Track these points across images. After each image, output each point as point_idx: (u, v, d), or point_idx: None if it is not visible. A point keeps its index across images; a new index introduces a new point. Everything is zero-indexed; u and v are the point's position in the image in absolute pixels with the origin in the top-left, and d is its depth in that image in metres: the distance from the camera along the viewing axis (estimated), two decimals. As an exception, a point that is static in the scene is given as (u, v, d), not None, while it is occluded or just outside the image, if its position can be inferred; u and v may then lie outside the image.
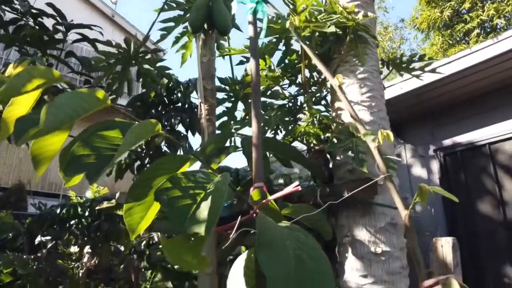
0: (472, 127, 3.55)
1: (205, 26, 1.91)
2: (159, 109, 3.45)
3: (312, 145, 1.61)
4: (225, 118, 2.52)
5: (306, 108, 1.68)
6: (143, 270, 3.05)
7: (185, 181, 0.67)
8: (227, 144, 1.75)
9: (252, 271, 0.90)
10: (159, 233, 2.52)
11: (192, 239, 0.59)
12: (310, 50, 1.20)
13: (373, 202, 1.40)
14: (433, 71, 1.62)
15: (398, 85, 3.62)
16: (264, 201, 0.76)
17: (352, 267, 1.39)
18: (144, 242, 2.53)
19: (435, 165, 3.76)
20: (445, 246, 0.81)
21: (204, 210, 0.62)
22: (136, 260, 2.83)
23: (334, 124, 1.54)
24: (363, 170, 1.21)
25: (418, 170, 3.93)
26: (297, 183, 0.75)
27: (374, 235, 1.37)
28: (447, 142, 3.71)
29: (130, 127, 0.66)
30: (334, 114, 1.63)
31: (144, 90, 3.52)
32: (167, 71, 2.79)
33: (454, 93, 3.54)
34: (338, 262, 1.48)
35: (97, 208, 2.45)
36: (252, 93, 0.99)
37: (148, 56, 2.61)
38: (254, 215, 0.78)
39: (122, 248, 3.68)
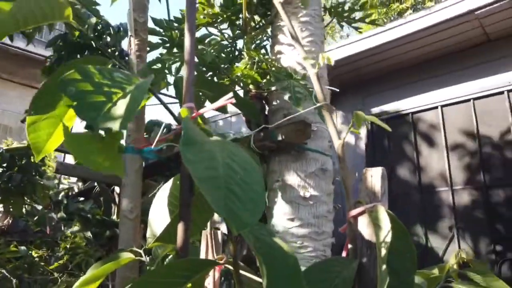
0: (398, 97, 3.74)
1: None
2: (86, 54, 3.14)
3: (248, 89, 1.55)
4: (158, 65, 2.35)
5: (245, 51, 1.60)
6: (60, 224, 2.85)
7: (99, 77, 0.57)
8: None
9: (176, 200, 0.83)
10: (79, 184, 2.34)
11: (103, 137, 0.50)
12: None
13: (305, 147, 1.38)
14: (372, 22, 1.63)
15: (332, 52, 3.67)
16: (193, 115, 0.68)
17: (280, 211, 1.39)
18: (63, 193, 2.33)
19: (363, 132, 3.94)
20: (375, 176, 0.80)
21: (121, 107, 0.53)
22: (53, 213, 2.62)
23: (273, 68, 1.49)
24: (298, 109, 1.18)
25: (347, 136, 4.09)
26: (231, 94, 0.68)
27: (304, 180, 1.37)
28: (375, 110, 3.89)
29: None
30: (273, 57, 1.58)
31: (66, 31, 3.17)
32: (94, 7, 2.51)
33: (382, 64, 3.68)
34: (267, 207, 1.47)
35: (4, 148, 2.18)
36: (187, 3, 0.88)
37: (72, -14, 2.32)
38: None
39: (40, 207, 3.39)
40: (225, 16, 1.62)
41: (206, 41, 1.65)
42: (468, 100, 3.33)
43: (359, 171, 3.88)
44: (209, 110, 0.71)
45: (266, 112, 1.61)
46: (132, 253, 1.12)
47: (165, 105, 0.75)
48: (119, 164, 0.54)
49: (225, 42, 1.75)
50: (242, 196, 0.50)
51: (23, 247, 3.24)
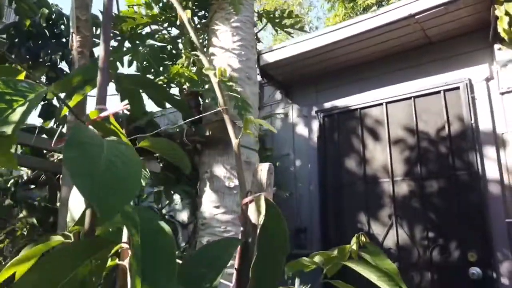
0: (348, 93, 3.95)
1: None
2: (40, 42, 3.15)
3: (184, 86, 1.67)
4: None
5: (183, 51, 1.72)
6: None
7: (3, 87, 0.68)
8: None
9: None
10: (28, 172, 2.40)
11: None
12: (183, 12, 1.22)
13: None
14: (301, 29, 1.77)
15: (288, 48, 3.82)
16: (95, 118, 0.80)
17: (208, 199, 1.53)
18: (12, 181, 2.38)
19: (315, 125, 4.13)
20: (263, 171, 0.95)
21: (17, 113, 0.64)
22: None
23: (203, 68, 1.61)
24: (217, 107, 1.31)
25: (301, 129, 4.28)
26: (126, 102, 0.81)
27: (230, 172, 1.52)
28: (327, 105, 4.09)
29: None
30: (208, 58, 1.69)
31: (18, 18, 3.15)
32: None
33: (333, 61, 3.88)
34: (198, 196, 1.61)
35: None
36: (103, 16, 0.99)
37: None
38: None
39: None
40: (163, 17, 1.72)
41: (146, 42, 1.75)
42: (410, 98, 3.57)
43: (312, 162, 4.08)
44: (109, 113, 0.83)
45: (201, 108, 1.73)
46: (63, 237, 1.23)
47: (67, 106, 0.86)
48: (12, 159, 0.65)
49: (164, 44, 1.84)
50: (116, 188, 0.63)
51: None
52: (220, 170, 1.52)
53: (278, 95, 4.56)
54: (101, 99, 0.92)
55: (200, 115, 1.72)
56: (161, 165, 4.07)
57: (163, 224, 0.76)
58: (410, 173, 3.48)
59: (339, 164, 3.92)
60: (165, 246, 0.70)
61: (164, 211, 4.32)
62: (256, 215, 0.93)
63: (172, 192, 3.77)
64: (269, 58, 4.01)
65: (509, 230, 2.91)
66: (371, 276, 1.22)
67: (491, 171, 3.06)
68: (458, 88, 3.35)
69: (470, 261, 3.02)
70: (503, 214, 2.94)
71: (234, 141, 0.99)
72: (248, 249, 0.92)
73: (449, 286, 3.12)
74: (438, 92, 3.44)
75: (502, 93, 3.16)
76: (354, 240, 1.39)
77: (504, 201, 2.97)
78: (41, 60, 3.11)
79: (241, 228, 0.97)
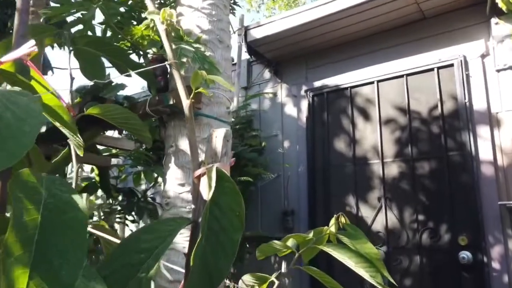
0: (338, 71, 3.78)
1: None
2: (9, 12, 2.94)
3: (149, 51, 1.50)
4: (80, 27, 2.22)
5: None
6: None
7: None
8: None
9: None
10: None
11: None
12: None
13: (198, 112, 1.36)
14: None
15: (276, 22, 3.63)
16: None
17: (173, 176, 1.37)
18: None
19: (304, 104, 3.97)
20: (218, 137, 0.80)
21: None
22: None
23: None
24: (181, 72, 1.15)
25: (290, 109, 4.11)
26: (32, 42, 0.64)
27: (197, 146, 1.35)
28: (317, 83, 3.91)
29: None
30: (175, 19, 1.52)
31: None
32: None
33: (322, 38, 3.69)
34: (163, 172, 1.45)
35: None
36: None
37: None
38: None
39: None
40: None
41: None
42: (402, 76, 3.41)
43: (300, 143, 3.94)
44: (10, 58, 0.66)
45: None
46: None
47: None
48: None
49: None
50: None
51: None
52: (186, 144, 1.37)
53: (267, 74, 4.37)
54: (19, 41, 0.75)
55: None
56: (145, 146, 3.88)
57: (76, 197, 0.60)
58: (400, 154, 3.34)
59: (328, 145, 3.77)
60: (74, 224, 0.55)
61: (149, 193, 4.16)
62: (207, 189, 0.78)
63: (156, 174, 3.61)
64: (256, 33, 3.82)
65: (501, 213, 2.80)
66: (349, 261, 1.08)
67: (485, 152, 2.93)
68: (452, 65, 3.19)
69: (460, 244, 2.91)
70: (496, 196, 2.83)
71: (185, 102, 0.83)
72: (196, 229, 0.77)
73: (438, 271, 3.03)
74: (432, 69, 3.28)
75: (498, 70, 3.01)
76: (332, 221, 1.25)
77: (497, 182, 2.85)
78: (11, 31, 2.90)
79: (192, 206, 0.82)
